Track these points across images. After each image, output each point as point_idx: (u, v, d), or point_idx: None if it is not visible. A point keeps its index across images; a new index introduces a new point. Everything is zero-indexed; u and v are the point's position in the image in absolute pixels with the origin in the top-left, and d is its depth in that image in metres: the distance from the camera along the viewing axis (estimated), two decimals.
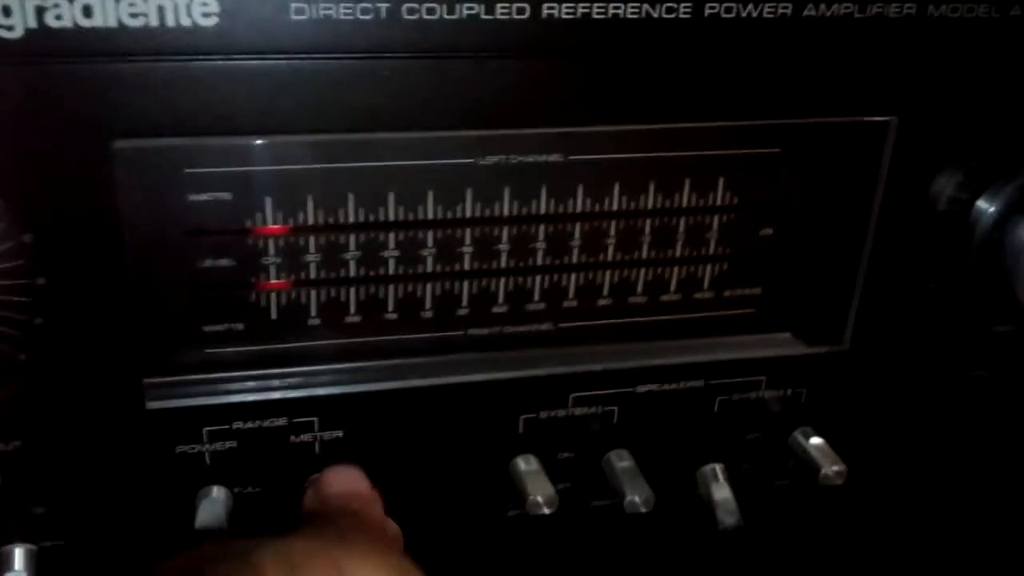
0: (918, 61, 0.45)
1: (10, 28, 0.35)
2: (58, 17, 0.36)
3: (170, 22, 0.37)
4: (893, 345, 0.52)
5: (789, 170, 0.49)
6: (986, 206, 0.48)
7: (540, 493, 0.47)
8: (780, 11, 0.42)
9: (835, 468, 0.50)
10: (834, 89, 0.45)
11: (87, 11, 0.36)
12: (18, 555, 0.44)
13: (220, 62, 0.38)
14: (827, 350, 0.51)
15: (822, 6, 0.43)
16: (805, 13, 0.43)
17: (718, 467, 0.52)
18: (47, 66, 0.37)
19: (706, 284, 0.50)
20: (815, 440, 0.52)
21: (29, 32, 0.36)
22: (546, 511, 0.47)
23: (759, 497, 0.53)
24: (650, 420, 0.50)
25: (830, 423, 0.53)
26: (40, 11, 0.35)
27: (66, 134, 0.38)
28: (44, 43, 0.36)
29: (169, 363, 0.45)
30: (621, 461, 0.50)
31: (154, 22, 0.37)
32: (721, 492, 0.51)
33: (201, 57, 0.38)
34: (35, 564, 0.44)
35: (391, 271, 0.46)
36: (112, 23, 0.36)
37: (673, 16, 0.41)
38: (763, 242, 0.50)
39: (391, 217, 0.45)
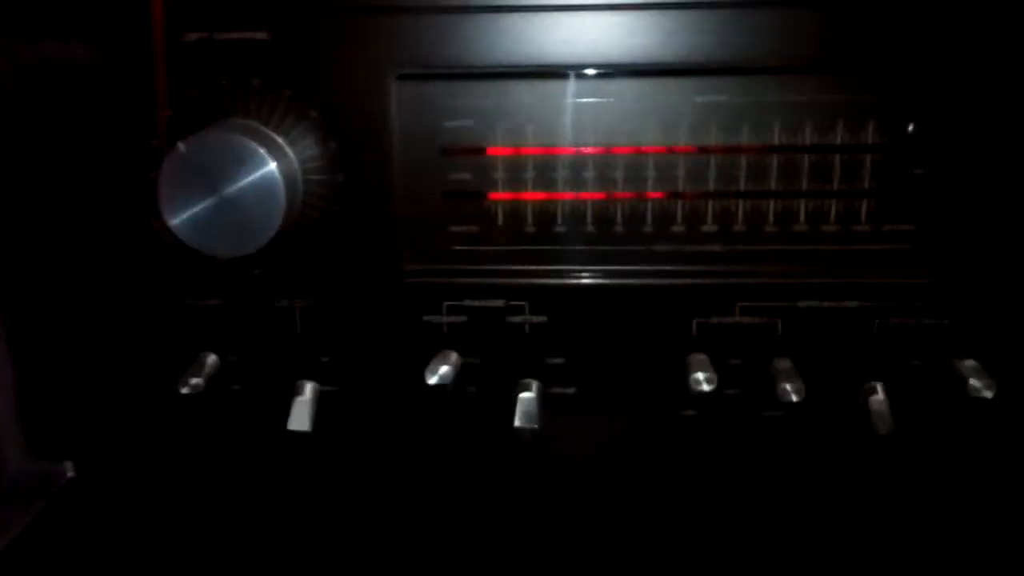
0: None
1: None
2: None
3: None
4: None
5: (935, 113, 0.57)
6: None
7: (702, 372, 0.56)
8: None
9: (984, 380, 0.55)
10: (975, 29, 0.53)
11: None
12: (308, 387, 0.60)
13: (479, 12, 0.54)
14: (982, 280, 0.57)
15: None
16: None
17: (877, 384, 0.58)
18: (347, 15, 0.55)
19: (863, 218, 0.58)
20: (968, 361, 0.57)
21: None
22: (705, 388, 0.56)
23: (912, 414, 0.58)
24: (811, 336, 0.58)
25: (986, 351, 0.57)
26: None
27: (360, 71, 0.56)
28: None
29: (424, 251, 0.60)
30: (782, 363, 0.58)
31: None
32: (878, 402, 0.57)
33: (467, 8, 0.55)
34: (318, 399, 0.60)
35: (590, 190, 0.59)
36: None
37: None
38: (916, 181, 0.57)
39: (590, 144, 0.58)
